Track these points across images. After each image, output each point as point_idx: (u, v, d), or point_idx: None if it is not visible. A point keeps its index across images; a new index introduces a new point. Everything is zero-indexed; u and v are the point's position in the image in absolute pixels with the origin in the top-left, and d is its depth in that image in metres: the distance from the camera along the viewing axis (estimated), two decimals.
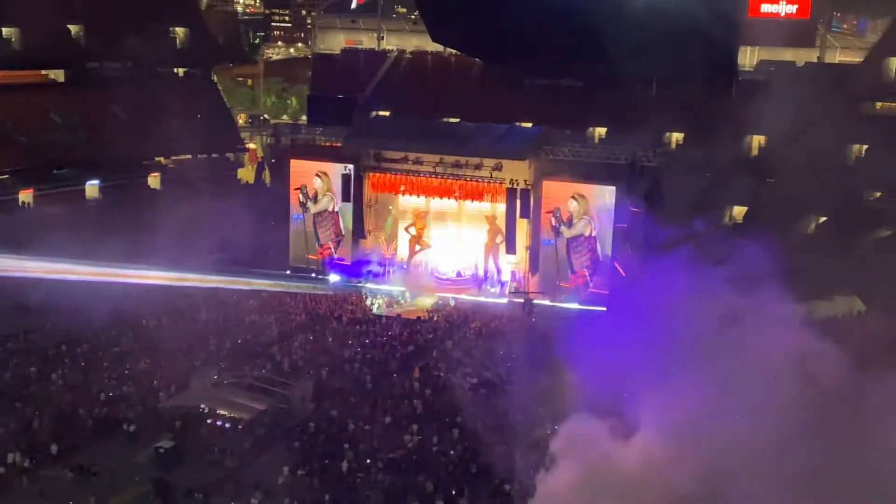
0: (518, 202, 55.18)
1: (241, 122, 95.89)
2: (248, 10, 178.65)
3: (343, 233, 59.29)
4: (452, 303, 55.20)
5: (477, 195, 56.96)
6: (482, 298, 55.94)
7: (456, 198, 57.74)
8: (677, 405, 25.98)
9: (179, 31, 77.65)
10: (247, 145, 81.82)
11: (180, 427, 37.58)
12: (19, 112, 65.76)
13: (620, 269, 51.79)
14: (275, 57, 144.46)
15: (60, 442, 36.13)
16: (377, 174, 58.37)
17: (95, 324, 46.12)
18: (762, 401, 24.41)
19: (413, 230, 59.93)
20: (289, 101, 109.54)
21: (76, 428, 37.65)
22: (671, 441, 25.67)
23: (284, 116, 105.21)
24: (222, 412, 38.03)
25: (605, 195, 53.74)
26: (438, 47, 77.00)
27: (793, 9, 67.31)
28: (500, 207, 56.49)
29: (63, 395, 40.00)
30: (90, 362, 43.44)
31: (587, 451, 26.66)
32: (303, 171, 59.41)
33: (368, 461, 35.38)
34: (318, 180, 59.13)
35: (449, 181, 56.72)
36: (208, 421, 37.90)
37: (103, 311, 46.13)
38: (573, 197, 54.26)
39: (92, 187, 66.29)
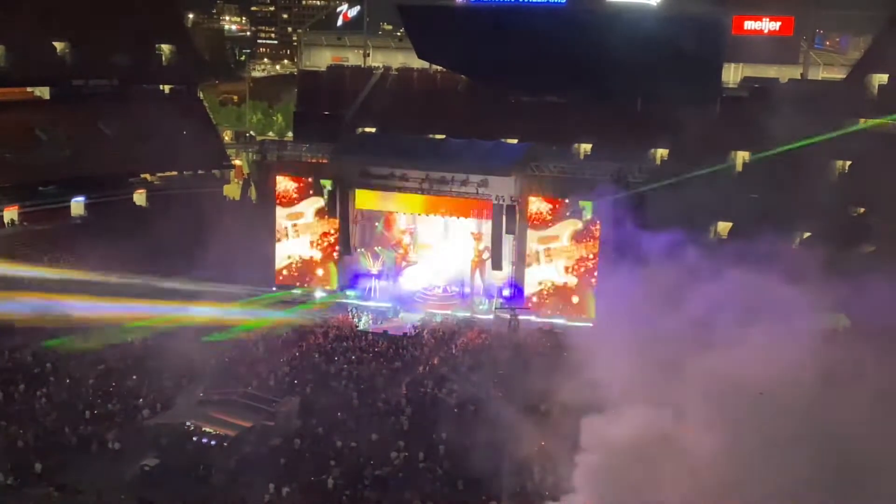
0: (504, 218, 55.32)
1: (227, 138, 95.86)
2: (234, 28, 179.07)
3: None
4: (439, 319, 55.20)
5: (463, 211, 57.15)
6: (469, 314, 56.01)
7: (442, 214, 57.91)
8: (665, 418, 26.10)
9: (165, 48, 77.65)
10: (233, 162, 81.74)
11: (166, 445, 37.39)
12: (4, 129, 65.64)
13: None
14: (261, 74, 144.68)
15: (45, 460, 35.86)
16: (363, 190, 58.41)
17: (81, 342, 46.01)
18: (747, 415, 24.51)
19: (399, 246, 60.05)
20: (275, 118, 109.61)
21: (61, 446, 37.40)
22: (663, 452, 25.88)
23: (270, 133, 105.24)
24: (208, 429, 37.87)
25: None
26: (424, 64, 77.17)
27: (776, 26, 67.85)
28: (487, 223, 56.62)
29: (48, 413, 39.79)
30: (75, 380, 43.22)
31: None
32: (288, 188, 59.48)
33: (355, 478, 35.31)
34: None
35: (435, 197, 56.85)
36: (194, 438, 37.70)
37: (89, 328, 46.06)
38: None
39: (77, 204, 66.12)
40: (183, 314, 49.01)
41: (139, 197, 70.43)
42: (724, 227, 60.73)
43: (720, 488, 24.42)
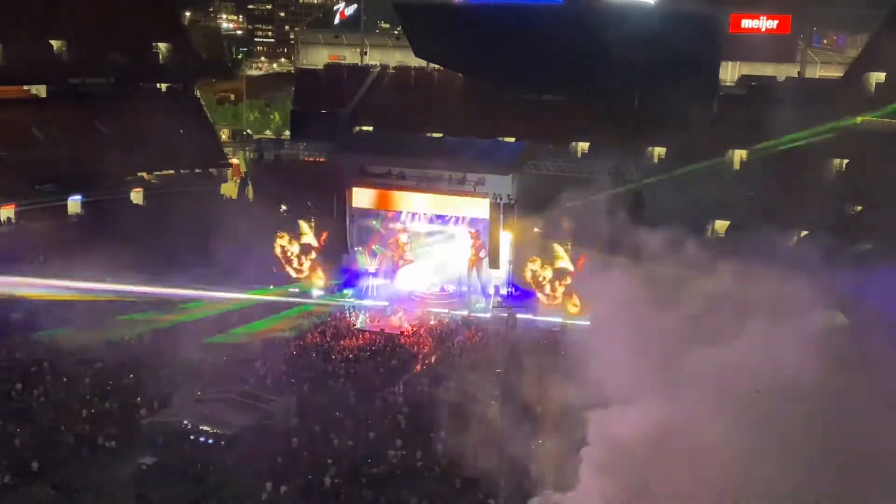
0: (501, 216, 55.30)
1: (224, 137, 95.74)
2: (231, 26, 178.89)
3: None
4: (436, 318, 55.17)
5: (460, 210, 57.14)
6: (466, 312, 55.98)
7: (439, 212, 57.91)
8: (660, 417, 26.08)
9: (162, 47, 77.52)
10: (230, 160, 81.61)
11: (163, 443, 37.38)
12: (1, 127, 65.49)
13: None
14: (258, 72, 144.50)
15: (42, 459, 35.88)
16: (360, 189, 58.39)
17: (78, 340, 45.89)
18: (744, 413, 24.52)
19: (396, 245, 60.02)
20: (272, 117, 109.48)
21: (58, 445, 37.39)
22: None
23: (267, 132, 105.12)
24: (205, 428, 37.85)
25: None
26: (421, 62, 77.17)
27: (773, 24, 67.77)
28: (484, 222, 56.61)
29: (45, 412, 39.75)
30: (72, 378, 43.17)
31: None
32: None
33: (352, 476, 35.30)
34: None
35: (432, 196, 56.82)
36: (191, 437, 37.70)
37: (85, 326, 46.04)
38: None
39: (74, 203, 65.96)
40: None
41: (136, 196, 70.24)
42: (721, 225, 60.73)
43: (724, 483, 24.48)
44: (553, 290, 54.72)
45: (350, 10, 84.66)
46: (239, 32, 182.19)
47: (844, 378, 24.50)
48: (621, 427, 27.16)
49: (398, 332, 52.42)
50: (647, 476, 26.09)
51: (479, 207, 56.53)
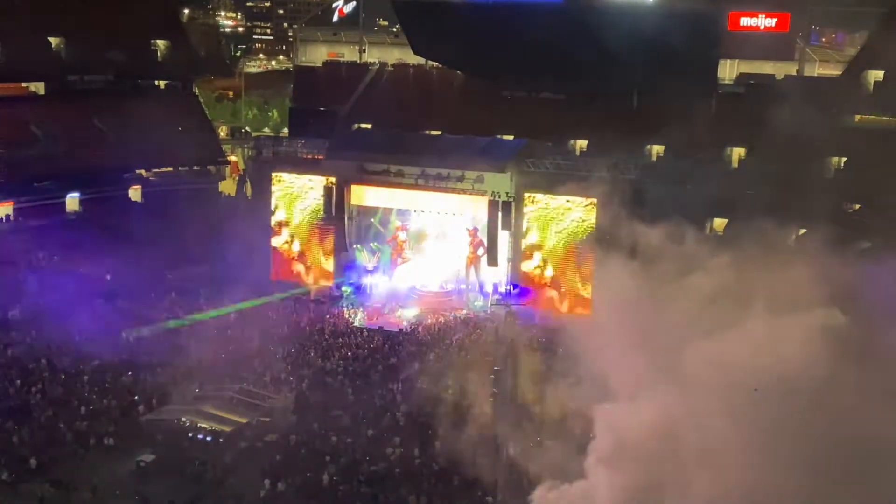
0: (500, 214, 55.32)
1: (222, 134, 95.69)
2: (229, 23, 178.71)
3: None
4: (434, 315, 55.15)
5: (459, 208, 57.15)
6: (464, 311, 55.98)
7: (437, 210, 57.92)
8: (665, 412, 26.12)
9: (161, 44, 77.51)
10: (228, 158, 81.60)
11: (161, 440, 37.43)
12: None
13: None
14: (256, 69, 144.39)
15: (40, 456, 35.87)
16: (359, 187, 58.37)
17: (76, 337, 45.87)
18: (746, 408, 24.54)
19: (395, 242, 60.06)
20: (270, 114, 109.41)
21: (56, 442, 37.39)
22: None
23: (266, 129, 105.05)
24: (203, 425, 37.91)
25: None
26: (420, 60, 77.04)
27: (772, 22, 67.67)
28: (482, 219, 56.61)
29: (43, 409, 39.73)
30: (70, 376, 43.14)
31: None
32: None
33: (351, 474, 35.30)
34: None
35: (431, 193, 56.82)
36: (189, 434, 37.77)
37: (84, 324, 46.03)
38: None
39: (72, 200, 65.95)
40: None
41: (134, 193, 70.23)
42: (719, 223, 60.71)
43: (729, 476, 24.52)
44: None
45: (349, 8, 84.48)
46: (238, 30, 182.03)
47: (845, 373, 24.52)
48: (627, 421, 27.20)
49: (396, 330, 52.41)
50: (652, 469, 26.14)
51: (477, 205, 56.57)
